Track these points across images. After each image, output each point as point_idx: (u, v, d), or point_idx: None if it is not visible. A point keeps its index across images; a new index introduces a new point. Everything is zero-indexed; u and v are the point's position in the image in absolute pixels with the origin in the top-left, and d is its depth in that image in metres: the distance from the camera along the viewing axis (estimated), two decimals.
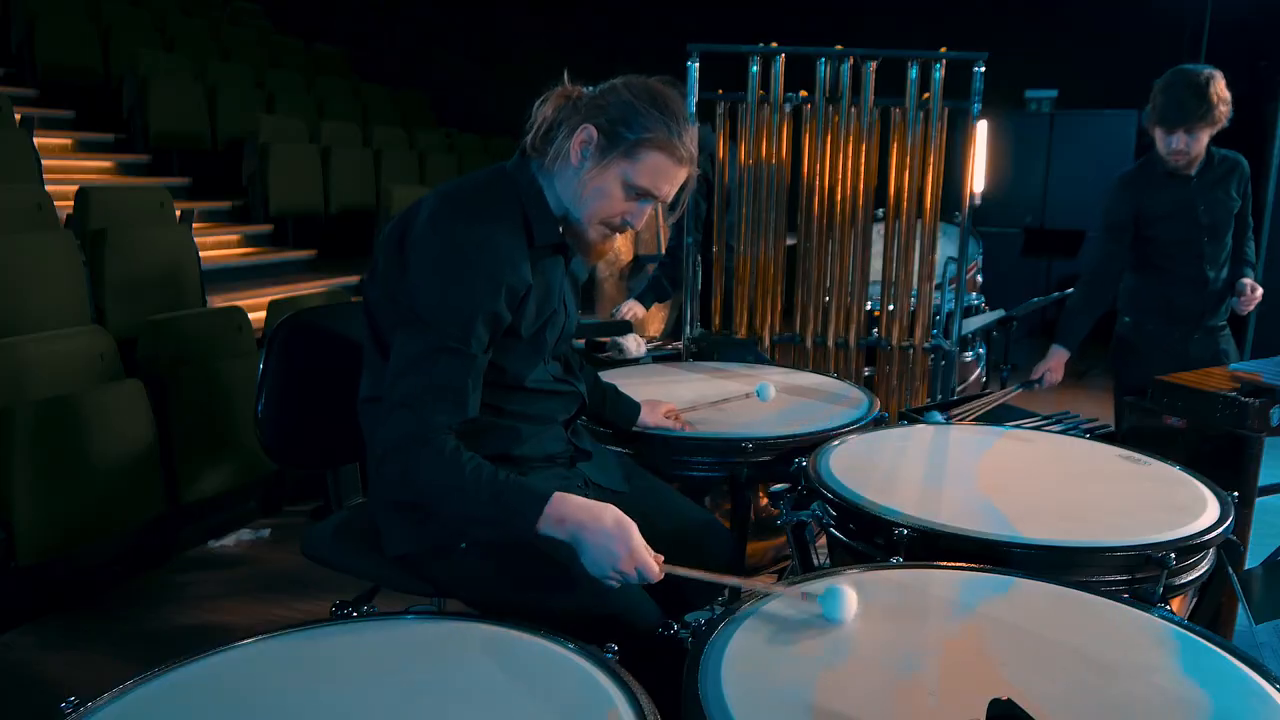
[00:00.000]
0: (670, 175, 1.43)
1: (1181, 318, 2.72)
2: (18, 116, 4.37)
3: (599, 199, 1.43)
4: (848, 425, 1.94)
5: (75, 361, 2.77)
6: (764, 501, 1.93)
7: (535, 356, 1.50)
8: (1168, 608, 1.24)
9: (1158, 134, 2.56)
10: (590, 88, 1.46)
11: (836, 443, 1.82)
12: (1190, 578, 1.43)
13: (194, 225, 3.98)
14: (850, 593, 1.17)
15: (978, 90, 2.98)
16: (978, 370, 4.16)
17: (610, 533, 1.29)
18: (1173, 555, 1.34)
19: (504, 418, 1.49)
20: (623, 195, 1.43)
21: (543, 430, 1.55)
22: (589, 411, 1.84)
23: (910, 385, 3.23)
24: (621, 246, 4.06)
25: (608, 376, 1.91)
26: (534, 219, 1.45)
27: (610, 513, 1.32)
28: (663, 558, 1.33)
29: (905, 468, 1.74)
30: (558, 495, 1.32)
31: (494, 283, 1.35)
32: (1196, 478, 1.66)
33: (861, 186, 3.09)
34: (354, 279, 4.73)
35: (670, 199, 1.47)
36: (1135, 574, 1.37)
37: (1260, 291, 2.64)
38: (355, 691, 1.03)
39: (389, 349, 1.41)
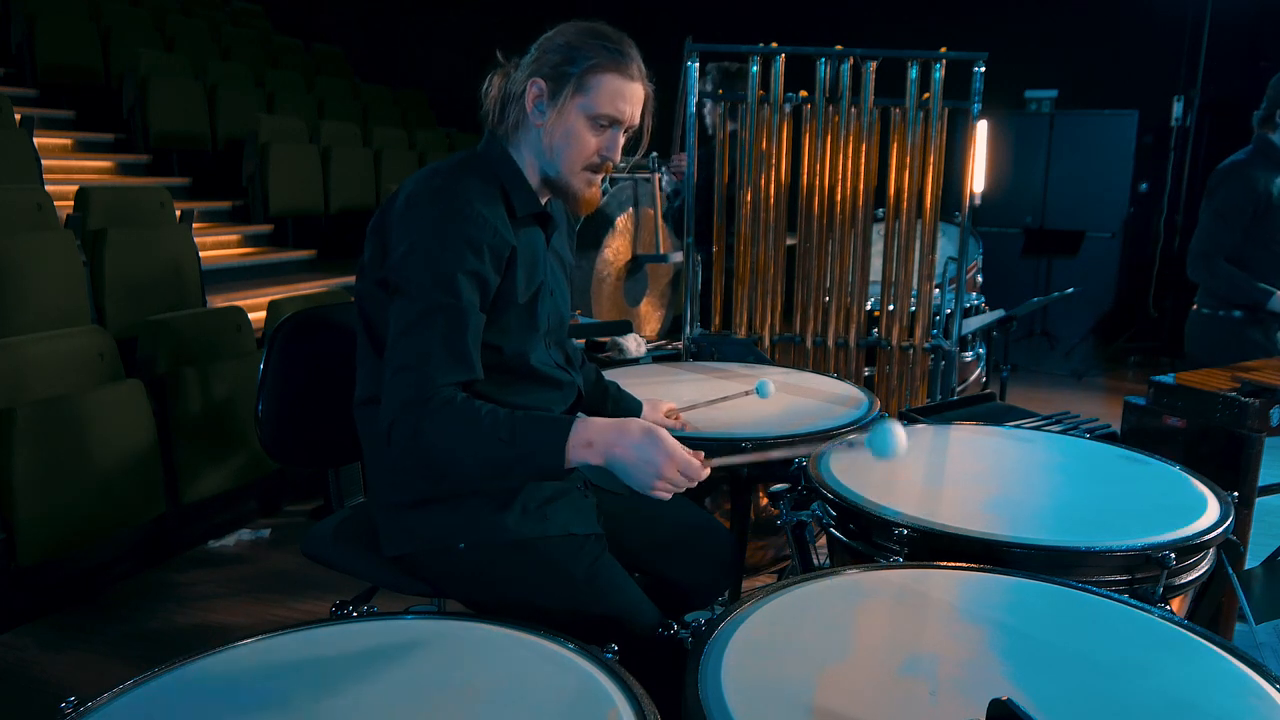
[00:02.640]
0: (627, 94, 1.42)
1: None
2: (18, 116, 4.37)
3: (569, 143, 1.42)
4: (848, 425, 1.94)
5: (75, 361, 2.77)
6: (764, 501, 1.94)
7: (532, 334, 1.50)
8: (1168, 608, 1.24)
9: None
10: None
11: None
12: (1190, 578, 1.43)
13: (194, 225, 3.97)
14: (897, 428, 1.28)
15: (978, 90, 2.98)
16: (978, 370, 4.16)
17: (642, 442, 1.27)
18: (1173, 555, 1.34)
19: None
20: (590, 130, 1.42)
21: None
22: (591, 409, 1.84)
23: (910, 385, 3.23)
24: (621, 246, 4.06)
25: (607, 376, 1.91)
26: (512, 191, 1.45)
27: (635, 424, 1.30)
28: (703, 454, 1.30)
29: (905, 468, 1.73)
30: (580, 419, 1.30)
31: (475, 244, 1.35)
32: (1196, 478, 1.66)
33: (861, 186, 3.09)
34: (354, 279, 4.71)
35: (637, 120, 1.47)
36: (1135, 574, 1.37)
37: None
38: (355, 691, 1.03)
39: (382, 344, 1.41)
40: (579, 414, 1.31)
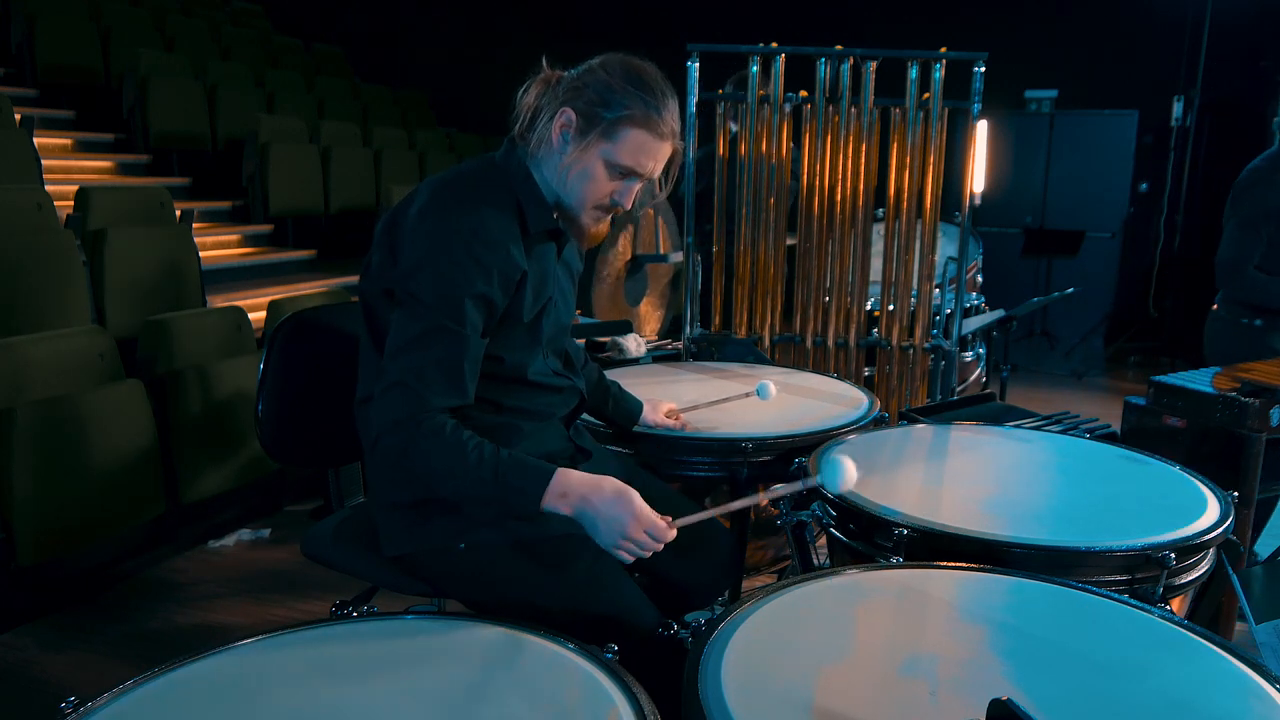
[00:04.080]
0: (653, 151, 1.42)
1: None
2: (18, 116, 4.36)
3: (584, 181, 1.42)
4: (848, 425, 1.94)
5: (75, 361, 2.77)
6: (764, 502, 1.93)
7: (534, 347, 1.50)
8: (1168, 608, 1.24)
9: None
10: (571, 71, 1.45)
11: (836, 443, 1.82)
12: (1190, 578, 1.43)
13: (194, 225, 3.97)
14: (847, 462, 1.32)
15: (978, 90, 2.98)
16: (978, 370, 4.16)
17: (611, 500, 1.30)
18: (1173, 555, 1.34)
19: (503, 414, 1.48)
20: (607, 175, 1.42)
21: (543, 427, 1.54)
22: (592, 409, 1.84)
23: (910, 385, 3.23)
24: (621, 246, 4.06)
25: (608, 376, 1.91)
26: (527, 206, 1.45)
27: (609, 482, 1.32)
28: (670, 518, 1.33)
29: (905, 468, 1.74)
30: (560, 471, 1.33)
31: (485, 267, 1.35)
32: (1196, 478, 1.66)
33: (861, 186, 3.09)
34: (354, 279, 4.69)
35: (657, 175, 1.46)
36: (1135, 574, 1.37)
37: None
38: (355, 691, 1.03)
39: (384, 345, 1.41)
40: (559, 467, 1.33)
